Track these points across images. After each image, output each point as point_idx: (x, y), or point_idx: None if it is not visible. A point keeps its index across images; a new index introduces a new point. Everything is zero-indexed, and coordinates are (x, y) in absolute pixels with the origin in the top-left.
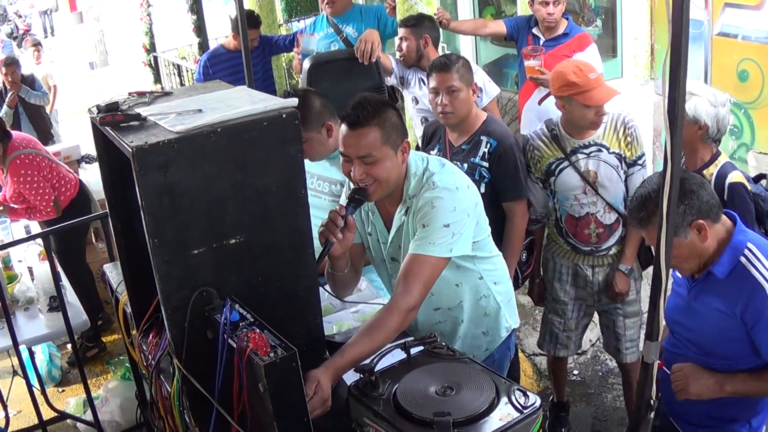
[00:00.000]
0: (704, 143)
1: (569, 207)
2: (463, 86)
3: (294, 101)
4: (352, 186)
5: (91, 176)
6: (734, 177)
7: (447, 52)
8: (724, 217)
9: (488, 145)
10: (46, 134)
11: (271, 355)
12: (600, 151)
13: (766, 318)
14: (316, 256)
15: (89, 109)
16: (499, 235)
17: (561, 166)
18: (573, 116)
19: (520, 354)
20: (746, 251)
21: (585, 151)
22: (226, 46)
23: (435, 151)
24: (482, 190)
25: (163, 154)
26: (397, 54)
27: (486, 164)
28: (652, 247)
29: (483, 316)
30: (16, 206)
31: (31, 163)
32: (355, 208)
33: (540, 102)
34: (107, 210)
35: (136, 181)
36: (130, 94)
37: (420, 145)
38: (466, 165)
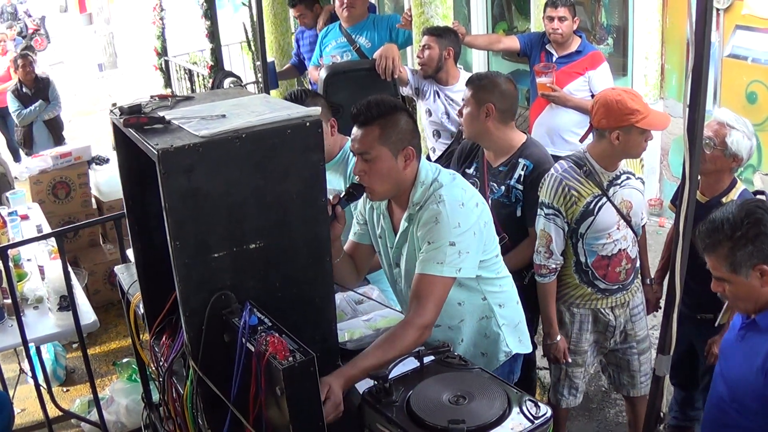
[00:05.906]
0: (731, 173)
1: (600, 247)
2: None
3: (317, 110)
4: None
5: (102, 178)
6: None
7: (459, 66)
8: None
9: (524, 168)
10: (59, 136)
11: (290, 359)
12: (629, 178)
13: None
14: None
15: (111, 111)
16: None
17: (600, 204)
18: (628, 146)
19: None
20: None
21: (618, 182)
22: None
23: (471, 170)
24: (518, 213)
25: (188, 158)
26: (417, 61)
27: (521, 187)
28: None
29: (483, 338)
30: None
31: None
32: (348, 202)
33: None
34: (123, 211)
35: (160, 184)
36: (151, 97)
37: (457, 162)
38: (503, 187)
